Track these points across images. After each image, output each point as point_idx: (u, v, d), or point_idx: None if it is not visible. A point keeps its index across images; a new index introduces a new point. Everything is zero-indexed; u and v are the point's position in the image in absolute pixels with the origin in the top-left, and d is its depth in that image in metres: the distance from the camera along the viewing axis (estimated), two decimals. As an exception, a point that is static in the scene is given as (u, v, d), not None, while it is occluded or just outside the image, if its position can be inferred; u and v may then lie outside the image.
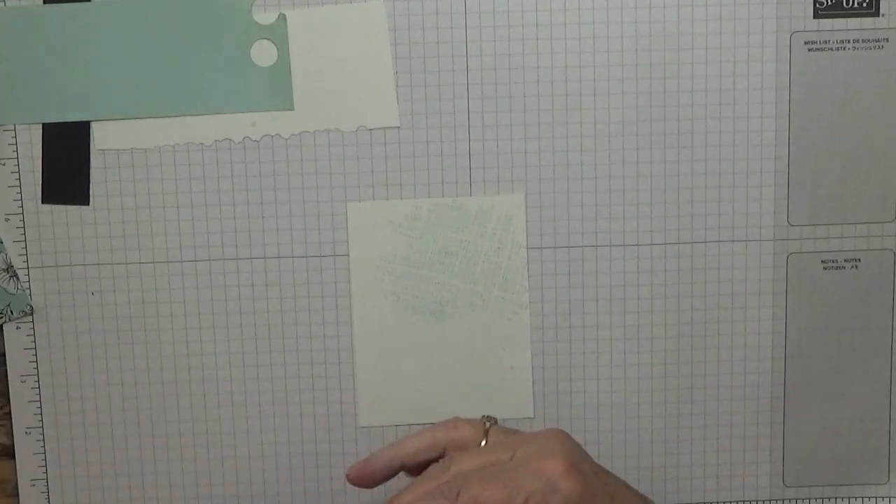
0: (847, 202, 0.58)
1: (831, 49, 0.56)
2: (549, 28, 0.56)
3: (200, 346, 0.58)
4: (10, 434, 0.59)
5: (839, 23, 0.56)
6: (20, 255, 0.57)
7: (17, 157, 0.57)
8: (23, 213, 0.57)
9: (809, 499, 0.60)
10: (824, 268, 0.58)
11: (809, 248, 0.58)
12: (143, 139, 0.57)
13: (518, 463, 0.48)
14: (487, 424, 0.51)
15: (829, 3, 0.56)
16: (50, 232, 0.57)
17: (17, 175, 0.57)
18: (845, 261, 0.58)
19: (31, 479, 0.59)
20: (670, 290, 0.58)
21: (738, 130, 0.57)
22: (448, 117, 0.57)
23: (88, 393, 0.58)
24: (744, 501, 0.60)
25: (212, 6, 0.55)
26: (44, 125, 0.56)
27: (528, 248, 0.58)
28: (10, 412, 0.58)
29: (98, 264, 0.57)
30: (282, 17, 0.56)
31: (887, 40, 0.56)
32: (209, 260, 0.58)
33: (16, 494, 0.59)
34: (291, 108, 0.56)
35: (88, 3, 0.55)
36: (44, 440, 0.59)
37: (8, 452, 0.59)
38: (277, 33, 0.56)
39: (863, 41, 0.56)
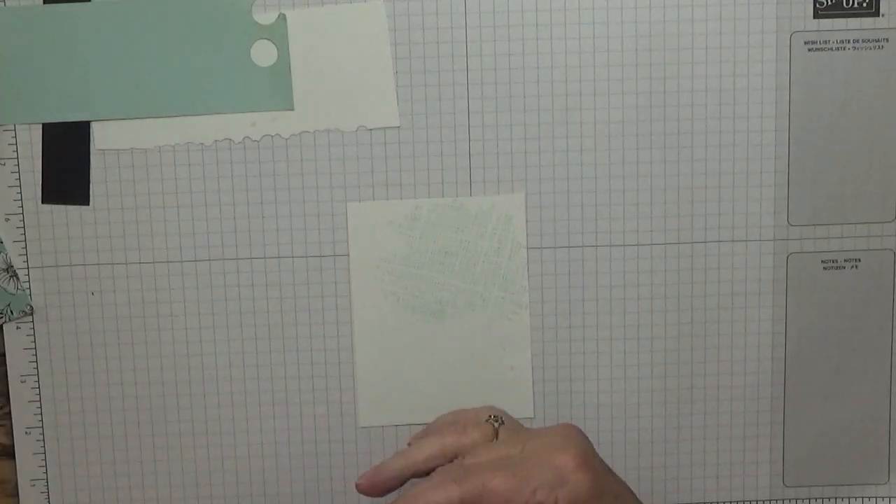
0: (847, 202, 0.58)
1: (831, 49, 0.56)
2: (549, 28, 0.56)
3: (200, 346, 0.58)
4: (10, 434, 0.59)
5: (839, 23, 0.56)
6: (20, 255, 0.57)
7: (17, 157, 0.57)
8: (23, 213, 0.57)
9: (809, 499, 0.60)
10: (824, 268, 0.58)
11: (809, 248, 0.58)
12: (143, 139, 0.57)
13: (528, 455, 0.48)
14: (496, 425, 0.51)
15: (829, 3, 0.56)
16: (50, 232, 0.57)
17: (17, 175, 0.57)
18: (845, 261, 0.58)
19: (31, 479, 0.59)
20: (670, 290, 0.58)
21: (738, 130, 0.57)
22: (448, 117, 0.57)
23: (88, 393, 0.58)
24: (744, 501, 0.60)
25: (212, 6, 0.55)
26: (44, 125, 0.56)
27: (528, 248, 0.58)
28: (10, 412, 0.58)
29: (98, 264, 0.57)
30: (282, 17, 0.56)
31: (887, 40, 0.56)
32: (209, 260, 0.58)
33: (16, 494, 0.59)
34: (291, 108, 0.56)
35: (88, 3, 0.55)
36: (44, 440, 0.59)
37: (8, 452, 0.59)
38: (277, 33, 0.56)
39: (863, 41, 0.56)
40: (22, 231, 0.57)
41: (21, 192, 0.57)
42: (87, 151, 0.57)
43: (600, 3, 0.56)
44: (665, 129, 0.57)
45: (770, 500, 0.60)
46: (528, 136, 0.57)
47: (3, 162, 0.57)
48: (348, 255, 0.58)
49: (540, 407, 0.59)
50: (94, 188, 0.57)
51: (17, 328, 0.58)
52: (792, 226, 0.58)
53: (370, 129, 0.57)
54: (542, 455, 0.48)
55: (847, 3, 0.56)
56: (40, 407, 0.58)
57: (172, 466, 0.59)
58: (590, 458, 0.48)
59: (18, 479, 0.59)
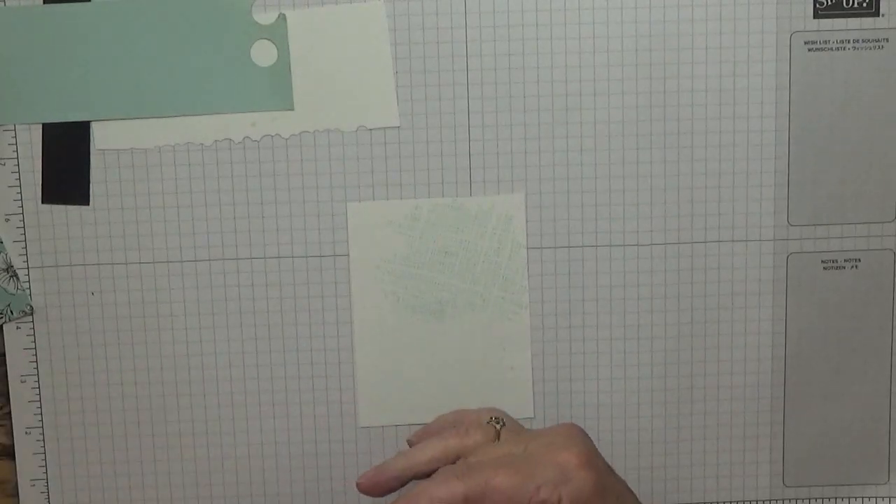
0: (847, 202, 0.58)
1: (831, 49, 0.56)
2: (549, 28, 0.56)
3: (200, 346, 0.58)
4: (10, 434, 0.59)
5: (839, 23, 0.56)
6: (20, 255, 0.57)
7: (17, 157, 0.57)
8: (23, 213, 0.57)
9: (809, 499, 0.60)
10: (824, 268, 0.58)
11: (809, 248, 0.58)
12: (143, 139, 0.57)
13: (531, 453, 0.48)
14: (498, 426, 0.51)
15: (829, 3, 0.56)
16: (50, 232, 0.57)
17: (17, 175, 0.57)
18: (845, 261, 0.58)
19: (31, 479, 0.59)
20: (670, 290, 0.58)
21: (738, 130, 0.57)
22: (448, 117, 0.57)
23: (88, 393, 0.58)
24: (744, 501, 0.60)
25: (212, 6, 0.55)
26: (44, 125, 0.56)
27: (528, 248, 0.58)
28: (10, 412, 0.58)
29: (98, 264, 0.57)
30: (282, 17, 0.56)
31: (887, 40, 0.56)
32: (209, 260, 0.58)
33: (16, 494, 0.59)
34: (291, 108, 0.56)
35: (88, 3, 0.55)
36: (44, 440, 0.59)
37: (8, 452, 0.59)
38: (277, 33, 0.56)
39: (863, 41, 0.56)
40: (22, 231, 0.57)
41: (21, 192, 0.57)
42: (87, 151, 0.57)
43: (600, 3, 0.56)
44: (665, 129, 0.57)
45: (770, 500, 0.60)
46: (528, 136, 0.57)
47: (3, 162, 0.57)
48: (348, 255, 0.58)
49: (540, 407, 0.59)
50: (94, 188, 0.57)
51: (17, 328, 0.58)
52: (792, 226, 0.58)
53: (370, 129, 0.57)
54: (545, 453, 0.48)
55: (847, 3, 0.56)
56: (40, 407, 0.58)
57: (172, 466, 0.59)
58: (593, 456, 0.48)
59: (18, 479, 0.59)
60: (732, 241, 0.58)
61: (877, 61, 0.57)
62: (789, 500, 0.60)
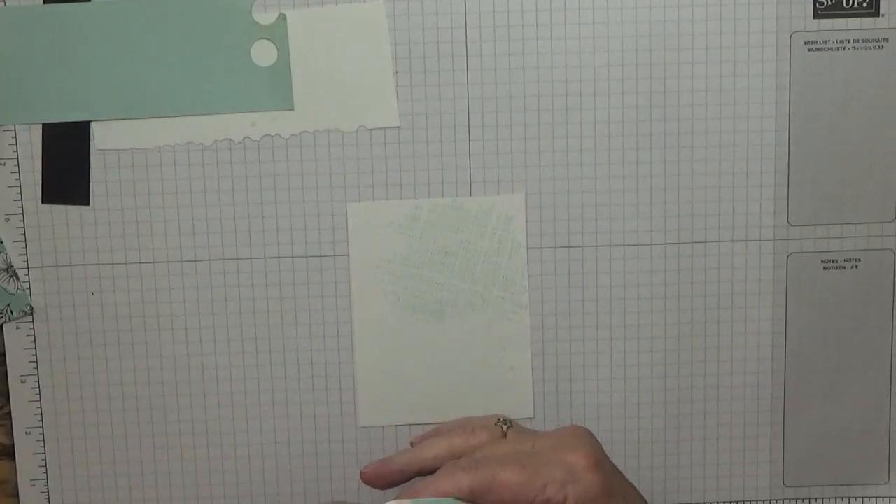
0: (847, 202, 0.58)
1: (831, 49, 0.56)
2: (549, 28, 0.56)
3: (200, 346, 0.58)
4: (10, 434, 0.59)
5: (839, 23, 0.56)
6: (20, 255, 0.57)
7: (17, 157, 0.57)
8: (23, 213, 0.57)
9: (809, 499, 0.60)
10: (824, 268, 0.58)
11: (809, 248, 0.58)
12: (143, 139, 0.57)
13: (539, 452, 0.48)
14: (505, 427, 0.51)
15: (829, 3, 0.56)
16: (50, 232, 0.57)
17: (17, 175, 0.57)
18: (845, 261, 0.58)
19: (31, 479, 0.59)
20: (670, 290, 0.58)
21: (738, 130, 0.57)
22: (448, 117, 0.57)
23: (88, 393, 0.58)
24: (744, 501, 0.60)
25: (212, 6, 0.55)
26: (44, 125, 0.56)
27: (528, 248, 0.58)
28: (10, 412, 0.58)
29: (98, 264, 0.57)
30: (282, 17, 0.56)
31: (887, 40, 0.56)
32: (209, 260, 0.58)
33: (16, 494, 0.59)
34: (291, 108, 0.56)
35: (88, 3, 0.55)
36: (44, 440, 0.59)
37: (8, 452, 0.59)
38: (277, 33, 0.56)
39: (863, 41, 0.56)
40: (22, 231, 0.57)
41: (21, 192, 0.57)
42: (87, 151, 0.57)
43: (600, 3, 0.56)
44: (665, 129, 0.57)
45: (770, 500, 0.60)
46: (528, 136, 0.57)
47: (3, 162, 0.57)
48: (348, 255, 0.58)
49: (540, 407, 0.59)
50: (94, 188, 0.57)
51: (17, 328, 0.58)
52: (792, 226, 0.58)
53: (370, 129, 0.57)
54: (553, 452, 0.48)
55: (847, 3, 0.56)
56: (40, 407, 0.58)
57: (172, 466, 0.59)
58: (601, 458, 0.48)
59: (18, 479, 0.59)
60: (732, 241, 0.58)
61: (877, 61, 0.57)
62: (789, 500, 0.60)
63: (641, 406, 0.59)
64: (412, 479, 0.51)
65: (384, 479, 0.51)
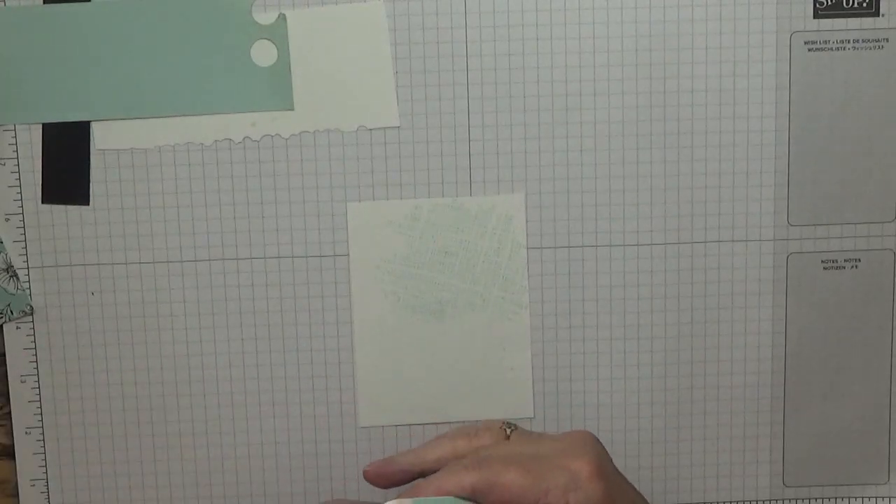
0: (847, 202, 0.58)
1: (831, 49, 0.56)
2: (549, 28, 0.56)
3: (200, 346, 0.58)
4: (10, 434, 0.59)
5: (839, 23, 0.56)
6: (20, 255, 0.57)
7: (17, 157, 0.57)
8: (23, 213, 0.57)
9: (809, 499, 0.60)
10: (824, 268, 0.58)
11: (809, 248, 0.58)
12: (143, 139, 0.57)
13: (543, 456, 0.48)
14: (508, 431, 0.51)
15: (829, 3, 0.56)
16: (50, 232, 0.57)
17: (17, 175, 0.57)
18: (845, 261, 0.58)
19: (31, 479, 0.59)
20: (670, 290, 0.58)
21: (738, 130, 0.57)
22: (448, 117, 0.57)
23: (88, 393, 0.58)
24: (744, 501, 0.60)
25: (212, 6, 0.55)
26: (44, 125, 0.56)
27: (528, 248, 0.58)
28: (10, 412, 0.58)
29: (98, 264, 0.57)
30: (282, 17, 0.56)
31: (887, 40, 0.56)
32: (209, 260, 0.58)
33: (16, 494, 0.59)
34: (291, 108, 0.56)
35: (88, 3, 0.55)
36: (44, 440, 0.59)
37: (8, 452, 0.59)
38: (277, 33, 0.56)
39: (863, 41, 0.56)
40: (22, 231, 0.57)
41: (21, 192, 0.57)
42: (87, 151, 0.57)
43: (600, 3, 0.56)
44: (665, 129, 0.57)
45: (770, 500, 0.60)
46: (528, 136, 0.57)
47: (3, 162, 0.57)
48: (348, 255, 0.58)
49: (540, 407, 0.59)
50: (94, 188, 0.57)
51: (17, 328, 0.58)
52: (792, 226, 0.58)
53: (370, 129, 0.57)
54: (557, 458, 0.47)
55: (847, 3, 0.56)
56: (40, 407, 0.58)
57: (172, 466, 0.59)
58: (605, 466, 0.48)
59: (18, 479, 0.59)
60: (732, 241, 0.58)
61: (877, 61, 0.57)
62: (789, 500, 0.60)
63: (641, 406, 0.59)
64: (415, 480, 0.51)
65: (387, 479, 0.51)
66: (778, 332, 0.59)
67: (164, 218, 0.57)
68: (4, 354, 0.58)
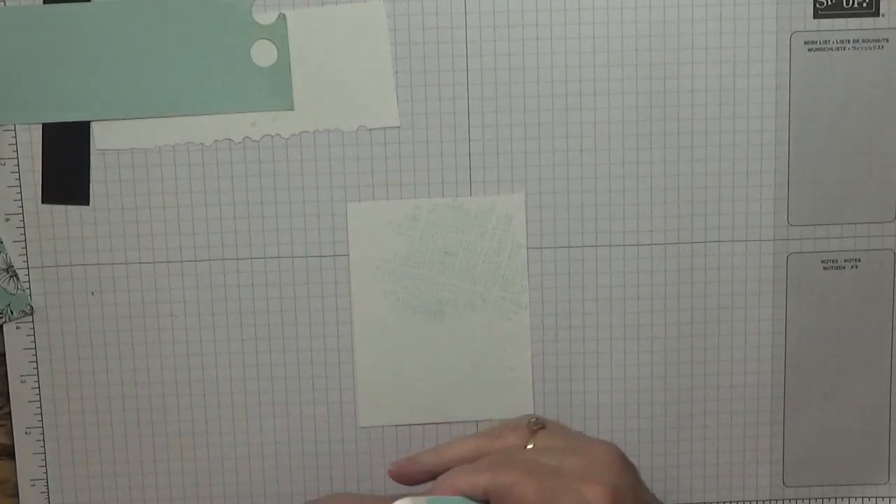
0: (847, 202, 0.58)
1: (831, 49, 0.56)
2: (549, 28, 0.56)
3: (200, 346, 0.58)
4: (10, 434, 0.59)
5: (839, 23, 0.56)
6: (20, 255, 0.57)
7: (17, 157, 0.57)
8: (23, 213, 0.57)
9: (809, 499, 0.60)
10: (824, 268, 0.58)
11: (809, 248, 0.58)
12: (143, 139, 0.57)
13: (563, 473, 0.47)
14: (536, 427, 0.50)
15: (829, 3, 0.56)
16: (50, 232, 0.57)
17: (17, 175, 0.57)
18: (845, 261, 0.58)
19: (31, 479, 0.59)
20: (670, 290, 0.58)
21: (738, 130, 0.57)
22: (448, 117, 0.57)
23: (88, 393, 0.58)
24: (744, 501, 0.60)
25: (212, 6, 0.55)
26: (44, 125, 0.56)
27: (528, 248, 0.58)
28: (10, 412, 0.58)
29: (98, 264, 0.57)
30: (282, 17, 0.56)
31: (887, 40, 0.56)
32: (209, 260, 0.58)
33: (16, 494, 0.59)
34: (291, 108, 0.56)
35: (88, 3, 0.55)
36: (44, 440, 0.59)
37: (8, 452, 0.59)
38: (277, 33, 0.56)
39: (863, 41, 0.56)
40: (22, 231, 0.57)
41: (21, 192, 0.57)
42: (87, 151, 0.57)
43: (600, 3, 0.56)
44: (665, 129, 0.57)
45: (770, 500, 0.60)
46: (528, 136, 0.57)
47: (3, 162, 0.57)
48: (348, 255, 0.58)
49: (540, 407, 0.59)
50: (94, 188, 0.57)
51: (17, 328, 0.58)
52: (792, 226, 0.58)
53: (370, 129, 0.57)
54: (575, 478, 0.46)
55: (847, 3, 0.56)
56: (40, 407, 0.58)
57: (172, 466, 0.59)
58: (623, 493, 0.46)
59: (18, 479, 0.59)
60: (732, 241, 0.58)
61: (877, 61, 0.57)
62: (789, 500, 0.60)
63: (641, 406, 0.59)
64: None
65: (410, 478, 0.51)
66: (778, 332, 0.59)
67: (164, 218, 0.57)
68: (4, 354, 0.58)
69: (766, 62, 0.56)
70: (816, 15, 0.56)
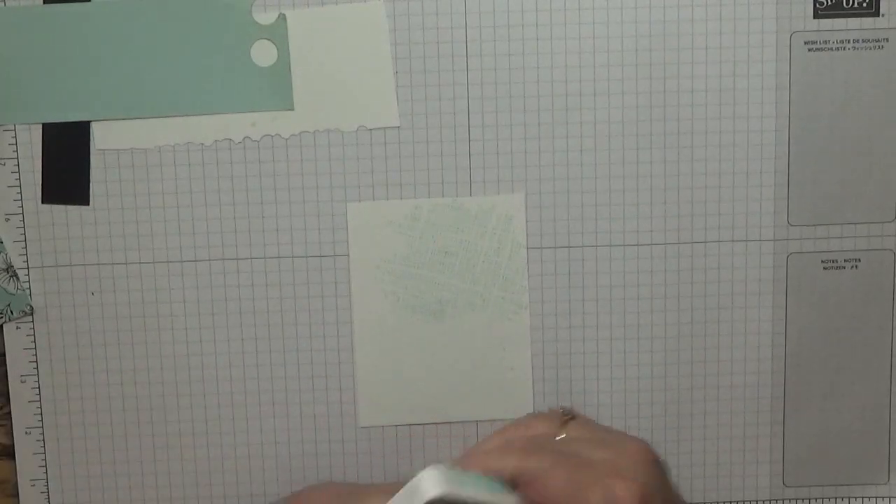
0: (847, 202, 0.58)
1: (831, 49, 0.56)
2: (549, 28, 0.56)
3: (200, 346, 0.58)
4: (10, 434, 0.59)
5: (839, 23, 0.56)
6: (20, 255, 0.57)
7: (17, 157, 0.57)
8: (23, 213, 0.57)
9: (809, 499, 0.60)
10: (824, 268, 0.58)
11: (809, 248, 0.58)
12: (143, 139, 0.57)
13: (593, 465, 0.46)
14: (566, 418, 0.50)
15: (829, 3, 0.56)
16: (50, 232, 0.57)
17: (17, 175, 0.57)
18: (845, 261, 0.58)
19: (31, 479, 0.59)
20: (670, 290, 0.58)
21: (738, 130, 0.57)
22: (448, 117, 0.57)
23: (88, 393, 0.58)
24: (744, 501, 0.60)
25: (212, 6, 0.55)
26: (44, 125, 0.56)
27: (528, 248, 0.58)
28: (10, 412, 0.58)
29: (98, 264, 0.57)
30: (282, 17, 0.56)
31: (887, 40, 0.56)
32: (209, 260, 0.58)
33: (16, 494, 0.59)
34: (291, 108, 0.56)
35: (88, 3, 0.55)
36: (44, 440, 0.59)
37: (8, 452, 0.59)
38: (277, 33, 0.56)
39: (863, 41, 0.56)
40: (22, 231, 0.57)
41: (21, 192, 0.57)
42: (87, 151, 0.57)
43: (600, 3, 0.56)
44: (665, 129, 0.57)
45: (770, 500, 0.60)
46: (528, 136, 0.57)
47: (3, 162, 0.57)
48: (348, 255, 0.58)
49: (540, 407, 0.59)
50: (94, 188, 0.57)
51: (17, 328, 0.58)
52: (792, 226, 0.58)
53: (370, 129, 0.57)
54: (605, 473, 0.46)
55: (847, 3, 0.56)
56: (40, 407, 0.58)
57: (172, 466, 0.59)
58: (651, 493, 0.46)
59: (18, 479, 0.59)
60: (732, 241, 0.58)
61: (877, 61, 0.57)
62: (789, 500, 0.60)
63: (641, 406, 0.59)
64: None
65: None
66: (778, 332, 0.59)
67: (164, 218, 0.57)
68: (4, 354, 0.58)
69: (766, 62, 0.56)
70: (816, 15, 0.56)
